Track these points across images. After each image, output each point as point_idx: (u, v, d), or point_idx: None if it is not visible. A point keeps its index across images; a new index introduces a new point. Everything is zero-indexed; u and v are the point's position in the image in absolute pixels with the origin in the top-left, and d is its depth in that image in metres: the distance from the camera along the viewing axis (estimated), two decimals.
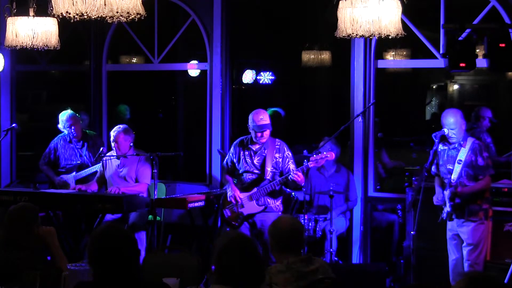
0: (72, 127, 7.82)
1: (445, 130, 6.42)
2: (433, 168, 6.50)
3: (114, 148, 7.30)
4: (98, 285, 3.50)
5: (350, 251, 7.65)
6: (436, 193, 6.49)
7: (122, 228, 3.64)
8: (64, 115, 7.88)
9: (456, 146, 6.34)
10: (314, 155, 6.61)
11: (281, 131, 8.60)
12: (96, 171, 7.66)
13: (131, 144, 7.34)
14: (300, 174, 6.50)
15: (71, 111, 7.95)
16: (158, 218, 7.19)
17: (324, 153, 6.65)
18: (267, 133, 6.68)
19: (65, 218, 7.53)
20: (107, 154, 7.48)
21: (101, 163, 7.49)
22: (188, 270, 4.93)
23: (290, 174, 6.55)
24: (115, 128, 7.34)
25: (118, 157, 7.32)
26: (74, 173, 7.86)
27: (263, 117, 6.68)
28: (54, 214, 7.21)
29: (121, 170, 7.33)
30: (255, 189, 6.68)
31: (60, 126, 7.90)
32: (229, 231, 6.57)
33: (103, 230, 3.59)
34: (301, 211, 7.22)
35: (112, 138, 7.29)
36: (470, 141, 6.32)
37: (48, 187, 7.93)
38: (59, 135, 8.01)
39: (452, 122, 6.30)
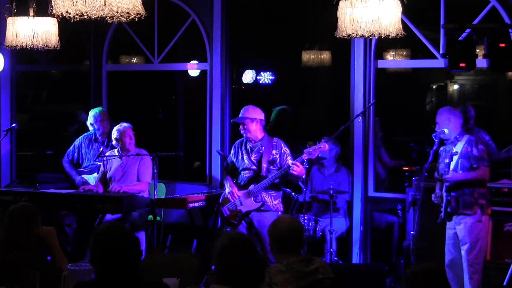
0: (105, 122, 7.82)
1: (445, 130, 6.41)
2: (436, 173, 6.50)
3: (117, 145, 7.28)
4: (98, 284, 3.50)
5: (350, 251, 7.65)
6: (434, 192, 6.46)
7: (125, 228, 3.65)
8: (97, 111, 7.92)
9: (452, 140, 6.36)
10: (308, 147, 6.61)
11: (287, 128, 8.62)
12: None
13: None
14: (299, 164, 6.51)
15: (102, 108, 8.00)
16: (158, 218, 7.19)
17: (317, 143, 6.64)
18: (247, 127, 6.69)
19: (78, 218, 7.54)
20: (106, 154, 7.48)
21: (101, 163, 7.49)
22: (188, 270, 4.93)
23: (289, 167, 6.54)
24: (120, 125, 7.33)
25: (120, 157, 7.32)
26: (96, 173, 7.84)
27: (242, 111, 6.77)
28: (54, 214, 7.21)
29: (123, 168, 7.33)
30: (252, 186, 6.69)
31: (89, 121, 7.89)
32: (229, 231, 6.57)
33: (107, 229, 3.58)
34: (301, 211, 7.22)
35: (117, 135, 7.26)
36: (466, 135, 6.36)
37: (69, 186, 7.92)
38: (84, 134, 8.02)
39: (439, 119, 6.34)
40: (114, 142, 7.31)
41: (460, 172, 6.25)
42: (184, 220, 7.88)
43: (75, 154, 7.96)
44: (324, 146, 6.63)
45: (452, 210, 6.28)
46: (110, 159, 7.39)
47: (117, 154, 7.34)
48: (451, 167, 6.27)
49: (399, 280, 7.09)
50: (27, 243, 4.44)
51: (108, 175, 7.40)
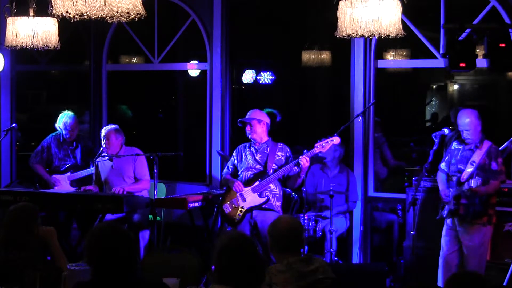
0: (75, 131, 7.90)
1: (445, 130, 6.39)
2: (443, 165, 6.44)
3: (104, 146, 7.30)
4: (96, 285, 3.50)
5: (350, 251, 7.65)
6: (442, 189, 6.39)
7: (120, 227, 3.63)
8: (66, 116, 7.94)
9: (472, 147, 6.25)
10: (319, 141, 6.61)
11: (274, 132, 8.62)
12: (91, 173, 7.70)
13: (122, 143, 7.35)
14: (308, 159, 6.52)
15: (73, 113, 8.02)
16: (158, 218, 7.19)
17: (329, 137, 6.64)
18: (254, 128, 6.75)
19: (65, 218, 7.55)
20: (98, 159, 7.45)
21: (94, 167, 7.51)
22: (188, 270, 4.94)
23: (298, 161, 6.54)
24: (106, 127, 7.42)
25: (110, 159, 7.31)
26: (69, 173, 7.88)
27: (249, 113, 6.85)
28: (54, 214, 7.20)
29: (115, 169, 7.32)
30: (257, 182, 6.70)
31: (58, 125, 7.95)
32: (229, 231, 6.57)
33: (100, 230, 3.59)
34: (301, 211, 7.22)
35: (103, 135, 7.31)
36: (486, 144, 6.22)
37: (39, 187, 7.94)
38: (51, 134, 8.06)
39: (466, 123, 6.22)
40: (102, 142, 7.33)
41: (478, 179, 6.16)
42: (184, 220, 7.88)
43: (44, 154, 8.02)
44: (336, 140, 6.64)
45: (460, 218, 6.23)
46: (102, 162, 7.39)
47: (107, 156, 7.35)
48: (465, 173, 6.21)
49: (399, 280, 7.09)
50: (27, 243, 4.43)
51: (102, 178, 7.41)
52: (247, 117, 6.83)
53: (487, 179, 6.18)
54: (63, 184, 7.87)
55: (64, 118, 7.94)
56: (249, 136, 6.83)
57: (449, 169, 6.37)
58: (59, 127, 7.97)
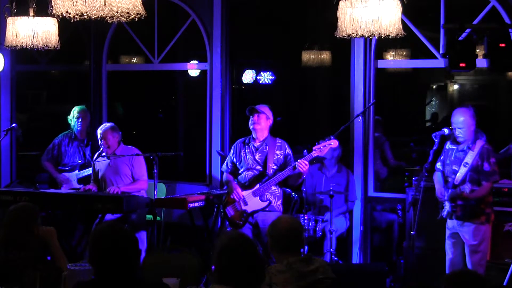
0: (79, 120, 7.92)
1: (445, 130, 6.39)
2: (438, 165, 6.45)
3: (102, 146, 7.30)
4: (96, 284, 3.51)
5: (350, 251, 7.65)
6: (438, 188, 6.40)
7: (123, 227, 3.65)
8: (77, 108, 8.02)
9: (464, 148, 6.24)
10: (317, 144, 6.59)
11: (274, 132, 8.63)
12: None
13: (119, 140, 7.35)
14: (307, 162, 6.50)
15: (84, 106, 8.11)
16: (158, 218, 7.19)
17: (327, 140, 6.62)
18: (260, 120, 6.71)
19: (63, 218, 7.55)
20: (97, 159, 7.44)
21: (93, 165, 7.51)
22: (188, 270, 4.93)
23: (295, 165, 6.53)
24: (101, 126, 7.39)
25: (108, 157, 7.31)
26: (76, 171, 7.88)
27: (260, 105, 6.81)
28: (54, 214, 7.20)
29: (112, 167, 7.31)
30: (257, 185, 6.69)
31: (69, 117, 7.99)
32: (229, 231, 6.56)
33: (104, 230, 3.59)
34: (301, 211, 7.22)
35: (99, 136, 7.29)
36: (479, 144, 6.21)
37: (48, 185, 7.95)
38: (64, 132, 8.06)
39: (460, 121, 6.22)
40: (100, 142, 7.33)
41: (469, 185, 6.16)
42: (184, 220, 7.88)
43: (55, 151, 8.03)
44: (334, 143, 6.61)
45: (457, 218, 6.24)
46: (100, 161, 7.39)
47: (105, 155, 7.35)
48: (458, 175, 6.21)
49: (399, 280, 7.09)
50: (27, 243, 4.44)
51: (99, 175, 7.41)
52: (255, 106, 6.79)
53: (479, 180, 6.19)
54: (71, 181, 7.87)
55: (73, 110, 8.01)
56: (252, 126, 6.77)
57: (445, 169, 6.40)
58: (70, 119, 8.00)
